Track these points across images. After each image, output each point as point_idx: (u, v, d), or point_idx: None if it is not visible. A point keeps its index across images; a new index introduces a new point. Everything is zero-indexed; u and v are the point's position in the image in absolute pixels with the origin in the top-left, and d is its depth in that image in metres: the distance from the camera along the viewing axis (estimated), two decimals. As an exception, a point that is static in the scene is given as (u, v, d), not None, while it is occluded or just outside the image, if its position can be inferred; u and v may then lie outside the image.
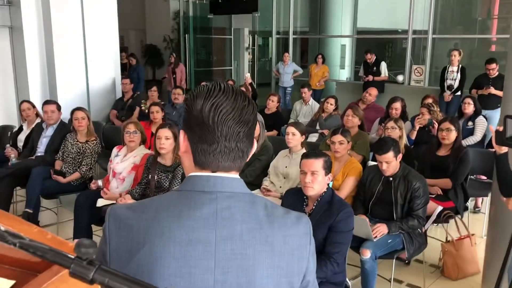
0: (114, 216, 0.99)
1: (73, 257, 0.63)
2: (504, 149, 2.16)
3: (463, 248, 3.66)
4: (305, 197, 2.80)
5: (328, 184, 2.80)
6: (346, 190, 3.66)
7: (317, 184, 2.68)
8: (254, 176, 4.29)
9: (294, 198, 2.85)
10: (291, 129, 3.97)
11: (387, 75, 8.59)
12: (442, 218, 3.74)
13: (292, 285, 0.99)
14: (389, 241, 3.20)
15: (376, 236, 3.16)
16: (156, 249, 0.93)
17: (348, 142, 3.74)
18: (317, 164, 2.68)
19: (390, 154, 3.26)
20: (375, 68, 8.45)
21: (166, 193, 1.04)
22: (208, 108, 0.97)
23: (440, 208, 3.81)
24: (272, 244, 0.96)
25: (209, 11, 11.96)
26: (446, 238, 3.86)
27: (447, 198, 3.91)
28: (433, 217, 3.80)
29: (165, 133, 3.59)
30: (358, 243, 3.16)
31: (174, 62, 10.48)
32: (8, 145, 4.87)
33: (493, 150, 2.28)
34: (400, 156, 3.36)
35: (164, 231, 0.94)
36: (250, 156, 1.05)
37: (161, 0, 14.09)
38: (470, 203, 5.18)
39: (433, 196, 3.91)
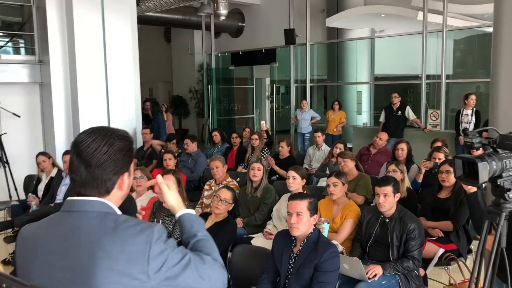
0: (20, 233, 1.40)
1: None
2: (473, 188, 2.23)
3: (467, 291, 3.60)
4: (293, 238, 2.90)
5: (316, 227, 2.90)
6: (344, 232, 3.72)
7: (302, 225, 2.78)
8: (263, 219, 4.41)
9: (283, 239, 2.94)
10: (291, 173, 4.10)
11: (415, 117, 8.59)
12: (443, 261, 3.72)
13: (136, 282, 1.24)
14: (383, 282, 3.21)
15: (370, 277, 3.18)
16: (32, 254, 1.31)
17: (344, 184, 3.83)
18: (302, 205, 2.80)
19: (389, 188, 3.34)
20: (399, 112, 8.43)
21: (56, 213, 1.37)
22: (72, 144, 1.36)
23: (441, 250, 3.80)
24: (109, 252, 1.24)
25: (230, 63, 12.51)
26: (449, 281, 3.81)
27: (449, 241, 3.89)
28: (435, 260, 3.80)
29: (168, 178, 3.79)
30: (352, 284, 3.19)
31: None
32: (30, 194, 5.17)
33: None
34: (398, 195, 3.43)
35: (38, 242, 1.32)
36: (115, 187, 1.36)
37: (187, 54, 14.84)
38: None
39: (435, 238, 3.92)
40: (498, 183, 1.77)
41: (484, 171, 1.70)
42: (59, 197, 5.03)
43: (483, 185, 1.73)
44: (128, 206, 1.48)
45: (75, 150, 1.33)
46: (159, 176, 1.54)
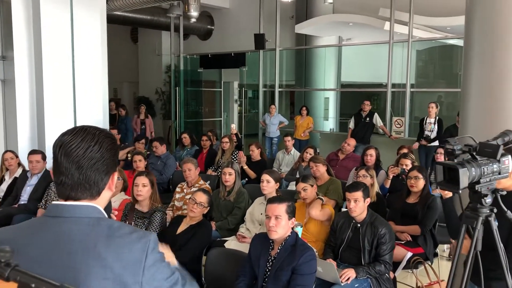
0: None
1: None
2: (449, 193, 2.33)
3: (433, 294, 3.73)
4: (271, 241, 2.92)
5: (293, 229, 2.93)
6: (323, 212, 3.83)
7: (280, 228, 2.81)
8: (236, 223, 4.41)
9: (261, 242, 2.96)
10: (265, 177, 4.14)
11: (382, 124, 8.83)
12: (411, 264, 3.84)
13: None
14: (356, 285, 3.28)
15: (343, 281, 3.24)
16: None
17: (312, 186, 3.92)
18: (281, 208, 2.83)
19: (359, 193, 3.42)
20: (368, 119, 8.64)
21: (35, 218, 1.27)
22: (58, 145, 1.24)
23: (409, 254, 3.93)
24: (104, 260, 1.16)
25: (199, 65, 12.46)
26: (416, 284, 3.93)
27: (416, 245, 4.02)
28: (403, 263, 3.91)
29: (142, 180, 3.74)
30: (325, 287, 3.25)
31: (144, 114, 10.74)
32: (-11, 194, 4.97)
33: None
34: (368, 200, 3.52)
35: (19, 247, 1.15)
36: (106, 188, 1.29)
37: (154, 55, 14.65)
38: (446, 250, 5.28)
39: (403, 242, 4.03)
40: (476, 189, 1.85)
41: (465, 177, 1.77)
42: (24, 198, 4.86)
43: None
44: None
45: (62, 152, 1.23)
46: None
